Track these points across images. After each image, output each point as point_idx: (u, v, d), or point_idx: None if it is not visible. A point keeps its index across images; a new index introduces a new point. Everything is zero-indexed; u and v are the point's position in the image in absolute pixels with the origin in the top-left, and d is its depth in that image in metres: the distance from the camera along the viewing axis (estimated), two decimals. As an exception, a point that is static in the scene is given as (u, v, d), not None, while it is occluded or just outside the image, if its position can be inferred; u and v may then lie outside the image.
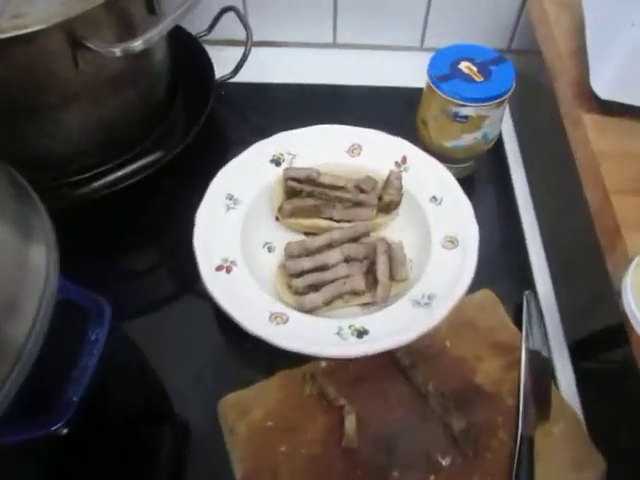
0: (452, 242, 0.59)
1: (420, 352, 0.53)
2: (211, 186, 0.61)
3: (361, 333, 0.52)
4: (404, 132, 0.63)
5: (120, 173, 0.60)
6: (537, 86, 0.75)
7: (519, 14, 0.78)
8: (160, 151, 0.61)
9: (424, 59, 0.63)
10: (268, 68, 0.76)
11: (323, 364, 0.53)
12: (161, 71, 0.62)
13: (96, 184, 0.59)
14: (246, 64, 0.71)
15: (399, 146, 0.66)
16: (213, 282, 0.54)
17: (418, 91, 0.66)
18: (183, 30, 0.73)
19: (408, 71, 0.73)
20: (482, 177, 0.71)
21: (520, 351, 0.54)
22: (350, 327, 0.51)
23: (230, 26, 0.76)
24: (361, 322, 0.51)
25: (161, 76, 0.62)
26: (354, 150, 0.66)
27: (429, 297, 0.55)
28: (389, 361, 0.53)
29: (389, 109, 0.76)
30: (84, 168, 0.57)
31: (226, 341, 0.56)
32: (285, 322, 0.51)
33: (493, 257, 0.61)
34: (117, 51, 0.47)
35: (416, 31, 0.80)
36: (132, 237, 0.63)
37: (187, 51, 0.71)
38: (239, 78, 0.74)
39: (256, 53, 0.73)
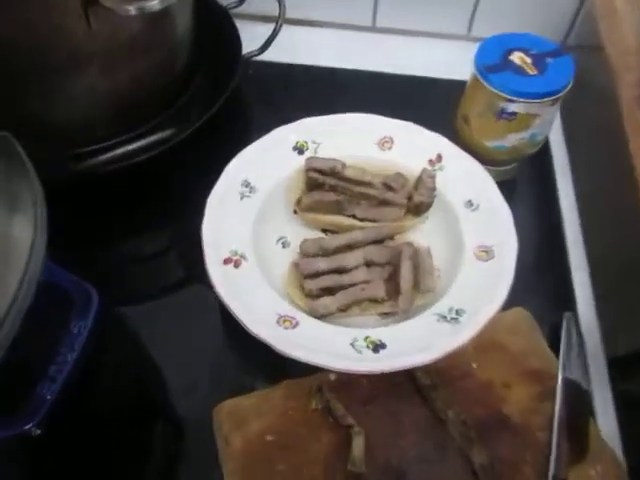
0: (486, 253, 0.53)
1: (442, 373, 0.48)
2: (226, 170, 0.56)
3: (378, 347, 0.47)
4: (441, 128, 0.58)
5: (129, 147, 0.55)
6: (591, 87, 0.68)
7: (579, 6, 0.70)
8: (175, 127, 0.56)
9: (470, 49, 0.57)
10: (300, 48, 0.71)
11: (332, 377, 0.48)
12: (183, 40, 0.57)
13: (102, 157, 0.54)
14: (277, 42, 0.66)
15: (435, 142, 0.60)
16: (219, 276, 0.49)
17: (460, 84, 0.60)
18: (211, 0, 0.68)
19: (451, 61, 0.67)
20: (523, 183, 0.64)
21: (556, 380, 0.48)
22: (366, 339, 0.46)
23: (262, 0, 0.70)
24: (378, 334, 0.47)
25: (183, 46, 0.57)
26: (385, 143, 0.60)
27: (457, 312, 0.49)
28: (406, 379, 0.48)
29: (426, 102, 0.70)
30: (91, 140, 0.53)
31: (229, 341, 0.52)
32: (294, 327, 0.47)
33: (530, 272, 0.55)
34: (132, 9, 0.42)
35: (463, 18, 0.73)
36: (137, 220, 0.59)
37: (215, 23, 0.66)
38: (268, 57, 0.69)
39: (288, 31, 0.67)
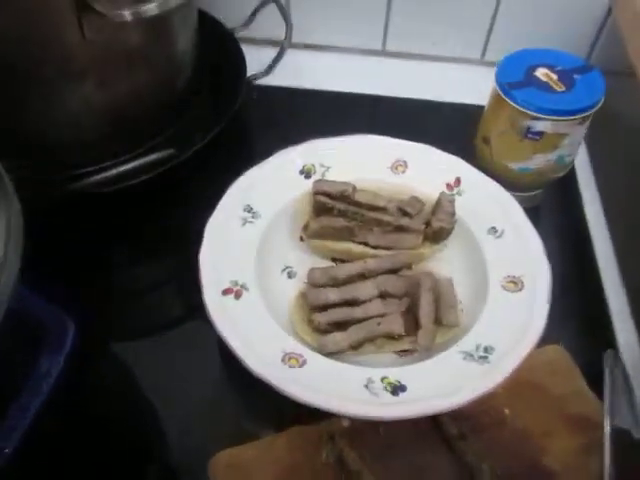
0: (515, 284, 0.48)
1: (472, 420, 0.42)
2: (227, 194, 0.52)
3: (397, 389, 0.41)
4: (456, 152, 0.54)
5: (125, 168, 0.51)
6: (614, 108, 0.64)
7: (600, 28, 0.67)
8: (174, 148, 0.53)
9: (485, 73, 0.53)
10: (306, 72, 0.69)
11: (346, 423, 0.42)
12: (185, 57, 0.54)
13: (96, 178, 0.50)
14: (283, 66, 0.63)
15: (453, 166, 0.55)
16: (218, 308, 0.44)
17: (474, 108, 0.57)
18: (217, 22, 0.65)
19: (465, 86, 0.64)
20: (548, 210, 0.60)
21: (602, 429, 0.42)
22: (383, 380, 0.41)
23: (269, 24, 0.68)
24: (397, 374, 0.42)
25: (184, 63, 0.54)
26: (398, 167, 0.56)
27: (485, 350, 0.43)
28: (431, 427, 0.42)
29: (439, 126, 0.67)
30: (85, 159, 0.49)
31: (229, 382, 0.47)
32: (301, 366, 0.42)
33: (561, 305, 0.49)
34: (127, 14, 0.39)
35: (477, 41, 0.71)
36: (132, 247, 0.55)
37: (219, 43, 0.64)
38: (274, 81, 0.66)
39: (294, 55, 0.65)
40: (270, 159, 0.56)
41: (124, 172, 0.51)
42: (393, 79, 0.70)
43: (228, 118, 0.59)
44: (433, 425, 0.41)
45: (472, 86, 0.60)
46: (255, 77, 0.63)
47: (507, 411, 0.43)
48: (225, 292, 0.46)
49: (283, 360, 0.42)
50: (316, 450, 0.40)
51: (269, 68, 0.64)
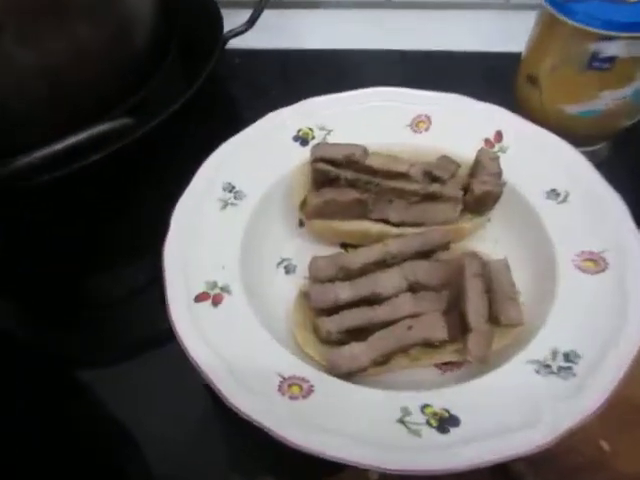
0: (594, 262, 0.35)
1: (557, 462, 0.29)
2: (201, 171, 0.41)
3: (445, 423, 0.29)
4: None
5: (61, 146, 0.39)
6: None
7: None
8: (135, 120, 0.41)
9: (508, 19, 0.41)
10: (295, 31, 0.58)
11: (374, 477, 0.29)
12: (143, 11, 0.43)
13: (18, 164, 0.38)
14: (269, 25, 0.52)
15: (490, 116, 0.44)
16: (186, 320, 0.33)
17: (500, 57, 0.44)
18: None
19: (492, 33, 0.52)
20: (615, 169, 0.46)
21: None
22: (424, 409, 0.30)
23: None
24: (443, 400, 0.31)
25: (143, 19, 0.44)
26: (419, 123, 0.44)
27: (567, 357, 0.31)
28: (495, 475, 0.29)
29: (464, 79, 0.55)
30: (19, 138, 0.37)
31: (215, 420, 0.36)
32: (306, 396, 0.31)
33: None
34: None
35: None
36: (87, 248, 0.46)
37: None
38: (261, 42, 0.55)
39: (284, 15, 0.53)
40: (254, 125, 0.44)
41: (63, 151, 0.39)
42: (402, 31, 0.58)
43: (200, 83, 0.47)
44: (499, 472, 0.28)
45: (500, 33, 0.48)
46: (234, 33, 0.51)
47: (605, 445, 0.30)
48: (199, 298, 0.35)
49: (280, 389, 0.30)
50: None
51: (251, 21, 0.52)
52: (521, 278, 0.36)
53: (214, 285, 0.36)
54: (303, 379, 0.31)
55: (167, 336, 0.35)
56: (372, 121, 0.45)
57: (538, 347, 0.32)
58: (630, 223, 0.36)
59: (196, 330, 0.33)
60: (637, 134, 0.49)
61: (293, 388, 0.31)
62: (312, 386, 0.31)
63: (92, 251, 0.46)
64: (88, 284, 0.46)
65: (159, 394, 0.38)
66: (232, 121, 0.55)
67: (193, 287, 0.35)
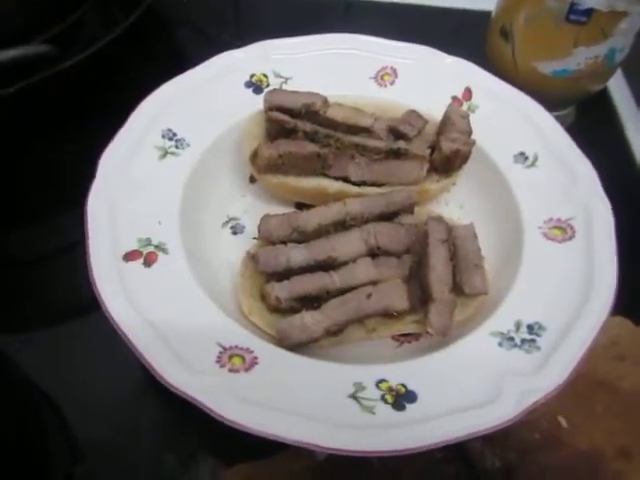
0: (562, 230, 0.33)
1: (513, 439, 0.27)
2: (136, 114, 0.36)
3: (402, 399, 0.26)
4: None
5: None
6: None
7: None
8: (55, 47, 0.35)
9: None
10: None
11: (321, 457, 0.26)
12: None
13: None
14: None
15: (460, 72, 0.41)
16: (111, 281, 0.29)
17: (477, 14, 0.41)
18: None
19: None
20: (582, 133, 0.44)
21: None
22: (379, 384, 0.27)
23: None
24: (400, 374, 0.28)
25: None
26: (384, 76, 0.41)
27: (531, 329, 0.29)
28: (452, 456, 0.27)
29: (432, 31, 0.50)
30: None
31: (148, 395, 0.33)
32: (249, 368, 0.28)
33: (623, 261, 0.34)
34: None
35: None
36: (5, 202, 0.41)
37: None
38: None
39: None
40: (202, 66, 0.39)
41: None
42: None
43: (137, 16, 0.42)
44: (457, 453, 0.26)
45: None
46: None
47: (563, 421, 0.28)
48: (128, 257, 0.30)
49: (220, 360, 0.27)
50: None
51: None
52: (485, 245, 0.33)
53: (147, 242, 0.31)
54: (246, 349, 0.28)
55: (94, 302, 0.31)
56: (333, 70, 0.41)
57: (501, 318, 0.30)
58: (599, 190, 0.34)
59: (123, 292, 0.29)
60: (601, 100, 0.48)
61: (234, 359, 0.27)
62: (256, 358, 0.28)
63: (9, 202, 0.41)
64: (5, 240, 0.40)
65: (85, 366, 0.35)
66: (177, 66, 0.49)
67: (122, 244, 0.31)
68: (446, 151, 0.34)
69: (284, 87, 0.40)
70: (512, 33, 0.39)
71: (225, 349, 0.28)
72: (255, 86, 0.40)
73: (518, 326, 0.29)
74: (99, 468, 0.31)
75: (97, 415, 0.32)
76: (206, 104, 0.38)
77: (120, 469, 0.31)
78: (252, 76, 0.40)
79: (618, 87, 0.50)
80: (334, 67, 0.41)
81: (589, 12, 0.35)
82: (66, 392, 0.34)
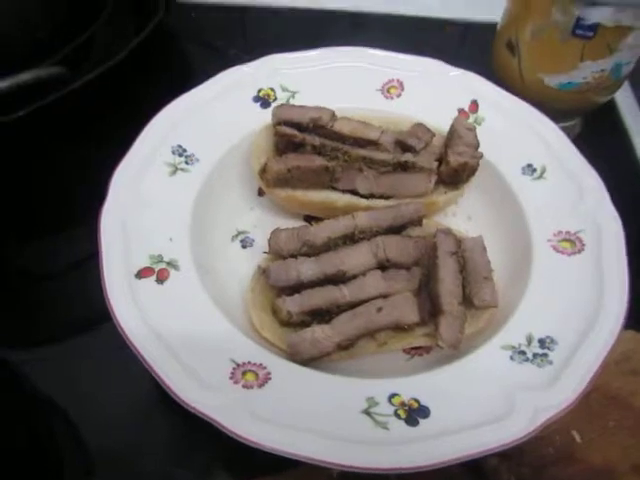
0: (571, 242, 0.33)
1: (527, 454, 0.27)
2: (147, 131, 0.37)
3: (414, 414, 0.26)
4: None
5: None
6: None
7: None
8: (68, 70, 0.36)
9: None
10: None
11: (336, 471, 0.26)
12: None
13: None
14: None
15: (467, 84, 0.41)
16: (124, 298, 0.29)
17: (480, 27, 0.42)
18: None
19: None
20: (588, 145, 0.44)
21: None
22: (392, 399, 0.27)
23: None
24: (413, 388, 0.28)
25: None
26: (391, 89, 0.41)
27: (542, 343, 0.29)
28: (468, 470, 0.27)
29: (439, 46, 0.51)
30: None
31: (158, 409, 0.33)
32: (262, 384, 0.28)
33: (634, 273, 0.34)
34: None
35: None
36: (14, 215, 0.41)
37: None
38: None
39: None
40: (210, 81, 0.39)
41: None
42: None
43: (147, 34, 0.42)
44: (473, 468, 0.26)
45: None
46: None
47: (577, 436, 0.28)
48: (141, 274, 0.31)
49: (233, 377, 0.27)
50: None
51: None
52: (494, 258, 0.33)
53: (159, 259, 0.32)
54: (259, 365, 0.28)
55: (106, 316, 0.31)
56: (340, 84, 0.41)
57: (512, 332, 0.30)
58: (607, 202, 0.34)
59: (136, 310, 0.29)
60: (608, 111, 0.48)
61: (247, 375, 0.27)
62: (269, 373, 0.28)
63: (23, 218, 0.41)
64: (19, 255, 0.41)
65: (98, 380, 0.35)
66: (185, 81, 0.50)
67: (134, 261, 0.31)
68: (454, 164, 0.34)
69: (291, 101, 0.41)
70: (518, 46, 0.40)
71: (238, 365, 0.28)
72: (263, 101, 0.40)
73: (530, 340, 0.29)
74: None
75: (109, 428, 0.33)
76: (214, 119, 0.38)
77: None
78: (259, 91, 0.41)
79: (624, 97, 0.50)
80: (341, 80, 0.41)
81: (595, 27, 0.36)
82: (78, 405, 0.34)
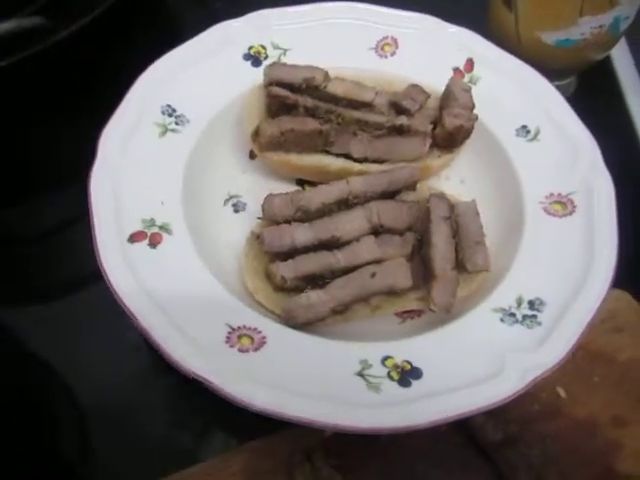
0: (562, 205, 0.34)
1: (513, 412, 0.28)
2: (134, 90, 0.35)
3: (407, 375, 0.27)
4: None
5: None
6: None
7: None
8: (47, 19, 0.34)
9: None
10: None
11: (329, 432, 0.27)
12: None
13: None
14: None
15: (463, 42, 0.40)
16: (119, 264, 0.29)
17: None
18: None
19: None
20: (582, 103, 0.44)
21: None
22: (385, 361, 0.28)
23: None
24: (405, 351, 0.29)
25: None
26: (385, 46, 0.40)
27: (532, 305, 0.30)
28: (456, 429, 0.28)
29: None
30: None
31: (155, 373, 0.33)
32: (257, 348, 0.28)
33: (623, 235, 0.35)
34: None
35: None
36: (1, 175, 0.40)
37: None
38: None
39: None
40: (198, 37, 0.38)
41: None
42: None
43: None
44: (460, 427, 0.27)
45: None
46: None
47: (562, 392, 0.30)
48: (133, 238, 0.31)
49: (229, 341, 0.28)
50: (286, 475, 0.26)
51: None
52: (487, 221, 0.34)
53: (152, 223, 0.31)
54: (255, 330, 0.28)
55: (99, 276, 0.31)
56: (333, 41, 0.40)
57: (503, 295, 0.31)
58: (601, 164, 0.34)
59: (131, 274, 0.29)
60: (603, 68, 0.47)
61: (243, 339, 0.28)
62: (264, 337, 0.28)
63: (8, 178, 0.41)
64: (7, 216, 0.40)
65: (91, 343, 0.35)
66: (172, 37, 0.48)
67: (126, 225, 0.31)
68: (449, 127, 0.34)
69: (283, 59, 0.39)
70: (515, 2, 0.39)
71: (233, 329, 0.28)
72: (254, 58, 0.39)
73: (519, 302, 0.30)
74: (107, 440, 0.33)
75: (105, 389, 0.33)
76: (204, 78, 0.37)
77: (129, 442, 0.32)
78: (250, 48, 0.39)
79: (620, 55, 0.49)
80: (334, 37, 0.40)
81: (595, -20, 0.35)
82: (73, 366, 0.35)
